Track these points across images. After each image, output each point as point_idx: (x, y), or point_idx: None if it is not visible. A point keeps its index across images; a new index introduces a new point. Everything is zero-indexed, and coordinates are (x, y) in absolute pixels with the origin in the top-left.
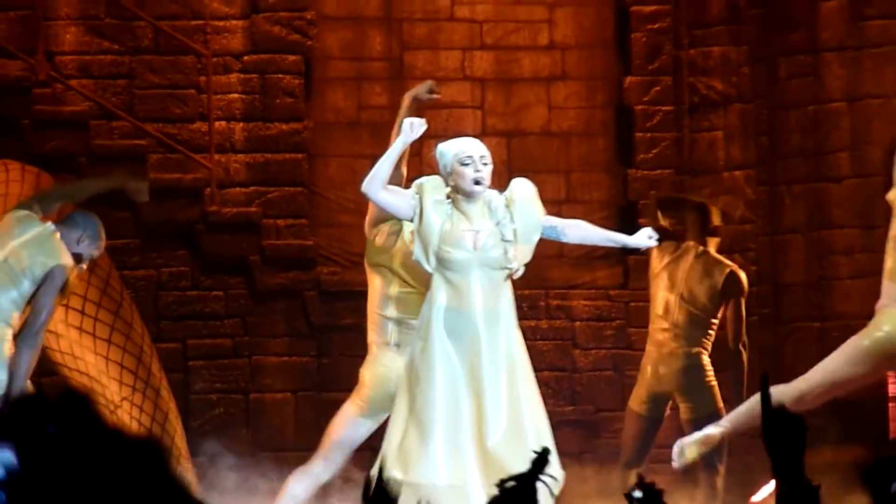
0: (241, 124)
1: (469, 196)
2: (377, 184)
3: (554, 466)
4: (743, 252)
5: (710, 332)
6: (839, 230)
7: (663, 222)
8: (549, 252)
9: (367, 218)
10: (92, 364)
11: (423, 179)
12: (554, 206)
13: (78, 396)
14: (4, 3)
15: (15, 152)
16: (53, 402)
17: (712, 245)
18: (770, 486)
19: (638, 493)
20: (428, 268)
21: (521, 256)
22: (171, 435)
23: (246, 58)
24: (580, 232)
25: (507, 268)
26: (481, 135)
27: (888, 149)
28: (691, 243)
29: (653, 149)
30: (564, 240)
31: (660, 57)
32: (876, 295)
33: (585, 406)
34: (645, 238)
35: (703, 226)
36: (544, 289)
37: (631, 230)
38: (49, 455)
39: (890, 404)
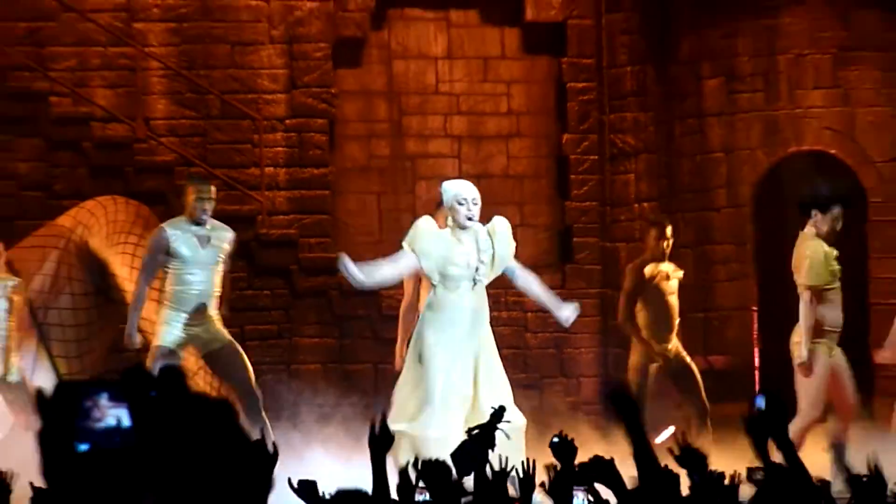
0: (284, 169)
1: (462, 227)
2: (368, 279)
3: (515, 415)
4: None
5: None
6: (718, 246)
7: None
8: None
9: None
10: None
11: (414, 228)
12: (518, 227)
13: (173, 369)
14: (114, 82)
15: (121, 191)
16: (155, 374)
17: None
18: (671, 430)
19: (555, 440)
20: (434, 282)
21: (492, 275)
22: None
23: (287, 121)
24: (528, 285)
25: (482, 281)
26: (459, 175)
27: (754, 190)
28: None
29: (583, 187)
30: (516, 282)
31: (588, 120)
32: (744, 295)
33: (533, 374)
34: (570, 311)
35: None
36: (504, 288)
37: (567, 246)
38: (152, 414)
39: (756, 371)
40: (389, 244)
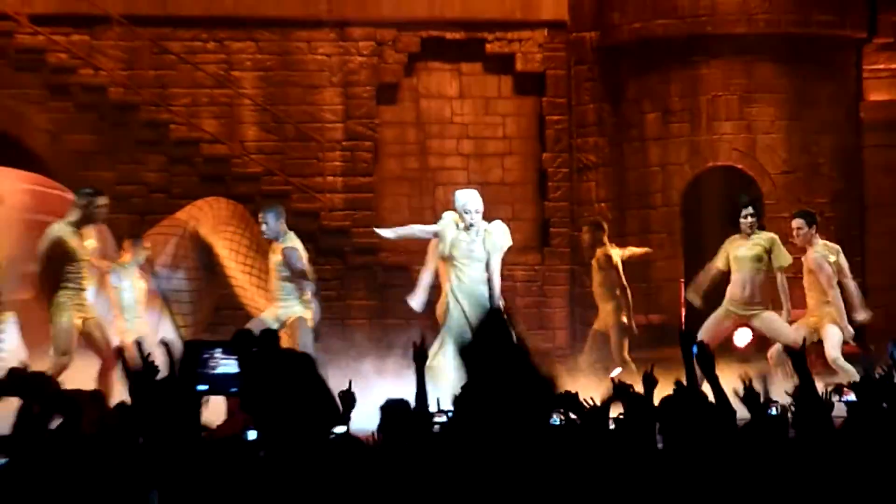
0: (340, 178)
1: (466, 228)
2: (393, 235)
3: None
4: None
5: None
6: (655, 234)
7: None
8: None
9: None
10: (263, 306)
11: (443, 218)
12: (508, 219)
13: (270, 332)
14: (217, 114)
15: (222, 193)
16: (257, 336)
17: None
18: (618, 370)
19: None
20: (445, 253)
21: (484, 258)
22: None
23: (343, 143)
24: (491, 274)
25: (480, 262)
26: (468, 183)
27: (681, 194)
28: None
29: (557, 191)
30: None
31: (561, 143)
32: (674, 270)
33: (523, 323)
34: (497, 303)
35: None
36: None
37: (546, 234)
38: (255, 366)
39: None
40: None
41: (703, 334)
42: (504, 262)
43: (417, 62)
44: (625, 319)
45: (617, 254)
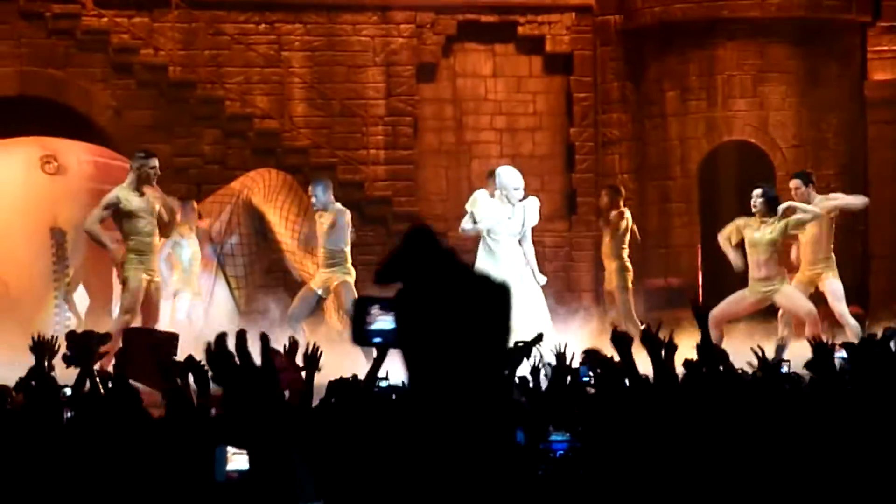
0: (383, 151)
1: (508, 201)
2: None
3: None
4: None
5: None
6: (674, 203)
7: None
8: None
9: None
10: (311, 270)
11: (472, 199)
12: (537, 190)
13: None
14: (268, 91)
15: (273, 165)
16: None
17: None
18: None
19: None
20: (484, 231)
21: (520, 234)
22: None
23: (385, 118)
24: (527, 247)
25: (516, 237)
26: (501, 156)
27: (698, 166)
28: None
29: (584, 164)
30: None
31: (587, 119)
32: (692, 236)
33: (550, 288)
34: (541, 280)
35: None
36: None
37: (573, 203)
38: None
39: (700, 288)
40: (452, 201)
41: (723, 307)
42: (534, 230)
43: (454, 43)
44: (629, 283)
45: (629, 217)
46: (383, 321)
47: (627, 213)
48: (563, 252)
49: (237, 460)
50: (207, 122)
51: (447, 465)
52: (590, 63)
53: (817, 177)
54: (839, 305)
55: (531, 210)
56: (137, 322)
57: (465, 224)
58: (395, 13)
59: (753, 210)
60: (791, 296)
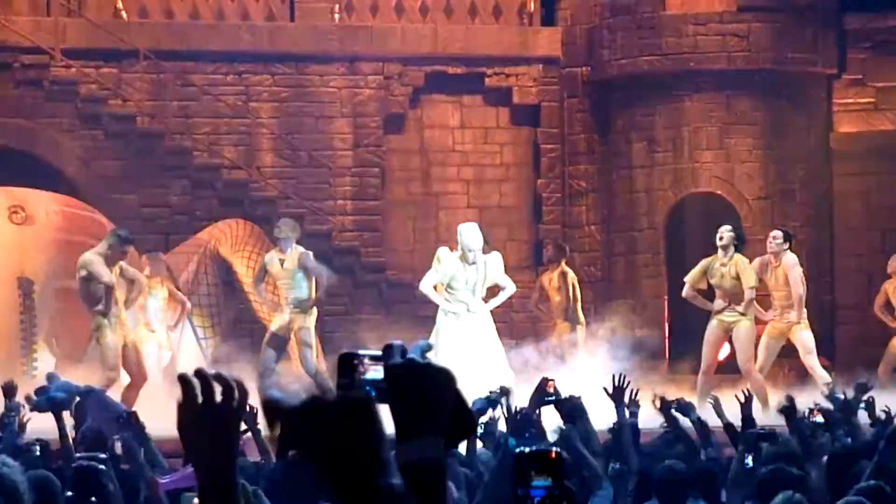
0: (351, 202)
1: (466, 259)
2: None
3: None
4: (593, 265)
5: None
6: (641, 255)
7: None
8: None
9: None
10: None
11: (436, 256)
12: (504, 241)
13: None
14: (236, 142)
15: (241, 215)
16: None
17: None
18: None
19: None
20: (444, 283)
21: (486, 286)
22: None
23: (353, 169)
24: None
25: (480, 291)
26: (468, 207)
27: (665, 218)
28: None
29: (551, 215)
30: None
31: (554, 170)
32: (658, 288)
33: (518, 337)
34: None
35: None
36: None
37: (540, 254)
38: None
39: (667, 338)
40: (419, 252)
41: (706, 353)
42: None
43: (422, 94)
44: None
45: (571, 277)
46: (375, 371)
47: (570, 272)
48: (530, 303)
49: None
50: (175, 173)
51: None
52: (557, 115)
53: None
54: (809, 358)
55: (493, 265)
56: (122, 380)
57: (424, 284)
58: (362, 64)
59: (719, 243)
60: (745, 338)
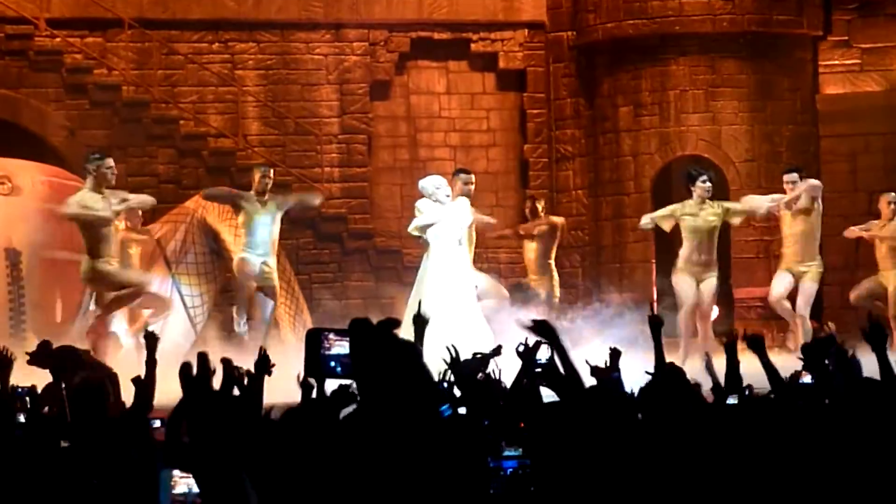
0: (337, 169)
1: (440, 202)
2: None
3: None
4: (581, 229)
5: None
6: (628, 219)
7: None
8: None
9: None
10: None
11: (416, 207)
12: (492, 206)
13: (389, 322)
14: (222, 110)
15: (227, 184)
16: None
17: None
18: None
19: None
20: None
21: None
22: (303, 319)
23: (339, 136)
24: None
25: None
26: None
27: (652, 182)
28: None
29: (538, 180)
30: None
31: (541, 135)
32: (646, 252)
33: None
34: None
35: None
36: (483, 248)
37: (527, 220)
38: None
39: (654, 302)
40: (406, 219)
41: (683, 306)
42: (488, 246)
43: (408, 61)
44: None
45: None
46: (340, 346)
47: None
48: (518, 267)
49: (183, 484)
50: (161, 142)
51: (396, 484)
52: (543, 79)
53: (770, 190)
54: (804, 309)
55: (461, 209)
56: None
57: (412, 226)
58: (348, 31)
59: (698, 193)
60: (709, 292)
